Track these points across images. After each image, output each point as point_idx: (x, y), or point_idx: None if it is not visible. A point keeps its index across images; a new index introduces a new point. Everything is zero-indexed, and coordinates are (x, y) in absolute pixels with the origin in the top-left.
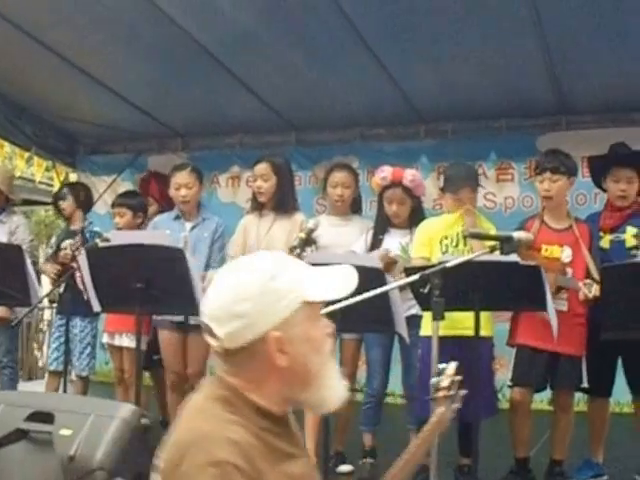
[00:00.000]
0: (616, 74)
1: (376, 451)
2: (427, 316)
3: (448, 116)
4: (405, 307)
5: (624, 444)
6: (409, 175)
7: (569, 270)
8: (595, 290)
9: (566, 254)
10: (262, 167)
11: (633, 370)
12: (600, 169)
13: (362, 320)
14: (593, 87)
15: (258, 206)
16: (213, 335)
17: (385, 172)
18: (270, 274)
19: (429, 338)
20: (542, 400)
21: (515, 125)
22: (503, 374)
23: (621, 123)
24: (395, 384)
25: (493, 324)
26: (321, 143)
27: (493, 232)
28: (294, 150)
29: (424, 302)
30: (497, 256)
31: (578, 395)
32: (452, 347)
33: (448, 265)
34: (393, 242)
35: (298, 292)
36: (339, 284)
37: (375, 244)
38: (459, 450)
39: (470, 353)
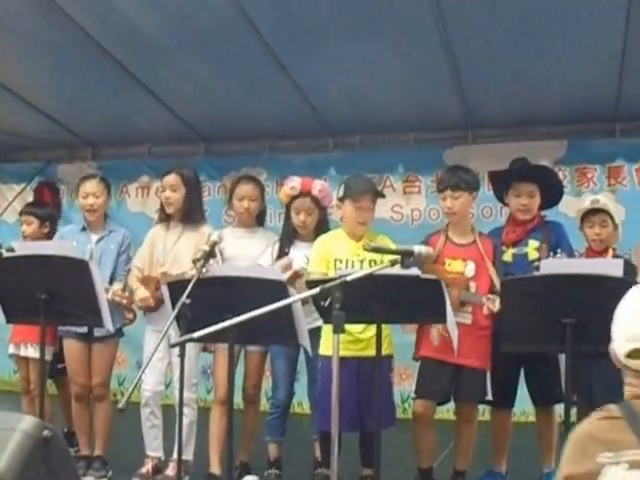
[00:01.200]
0: (521, 90)
1: (281, 462)
2: (327, 334)
3: (356, 129)
4: (310, 319)
5: (526, 453)
6: (318, 185)
7: (473, 284)
8: (498, 304)
9: (469, 269)
10: (171, 178)
11: (534, 382)
12: (502, 183)
13: (266, 332)
14: (499, 102)
15: (166, 217)
16: None
17: (294, 182)
18: None
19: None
20: (448, 410)
21: (422, 138)
22: (410, 385)
23: (526, 137)
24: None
25: (392, 341)
26: (230, 154)
27: (392, 246)
28: (203, 161)
29: (326, 315)
30: (398, 270)
31: (483, 405)
32: (352, 365)
33: (348, 279)
34: (299, 254)
35: None
36: None
37: (281, 257)
38: (360, 461)
39: (370, 371)
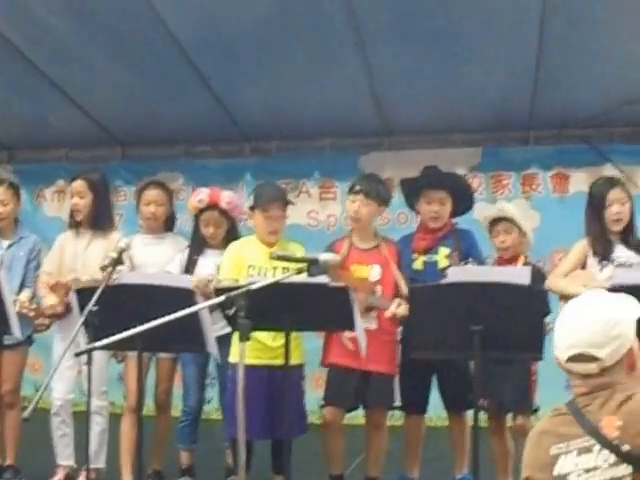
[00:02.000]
0: (437, 97)
1: (194, 469)
2: (236, 342)
3: (272, 134)
4: (219, 326)
5: (439, 459)
6: (226, 197)
7: (378, 288)
8: (404, 309)
9: (374, 273)
10: (78, 184)
11: (446, 388)
12: (413, 191)
13: (174, 340)
14: (415, 109)
15: (76, 223)
16: (591, 360)
17: (202, 194)
18: (620, 300)
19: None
20: (363, 416)
21: (338, 145)
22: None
23: (441, 144)
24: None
25: (302, 350)
26: (147, 159)
27: (300, 254)
28: (119, 165)
29: (233, 323)
30: (305, 278)
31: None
32: (263, 373)
33: (253, 287)
34: (208, 263)
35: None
36: None
37: (190, 265)
38: (272, 468)
39: (281, 379)
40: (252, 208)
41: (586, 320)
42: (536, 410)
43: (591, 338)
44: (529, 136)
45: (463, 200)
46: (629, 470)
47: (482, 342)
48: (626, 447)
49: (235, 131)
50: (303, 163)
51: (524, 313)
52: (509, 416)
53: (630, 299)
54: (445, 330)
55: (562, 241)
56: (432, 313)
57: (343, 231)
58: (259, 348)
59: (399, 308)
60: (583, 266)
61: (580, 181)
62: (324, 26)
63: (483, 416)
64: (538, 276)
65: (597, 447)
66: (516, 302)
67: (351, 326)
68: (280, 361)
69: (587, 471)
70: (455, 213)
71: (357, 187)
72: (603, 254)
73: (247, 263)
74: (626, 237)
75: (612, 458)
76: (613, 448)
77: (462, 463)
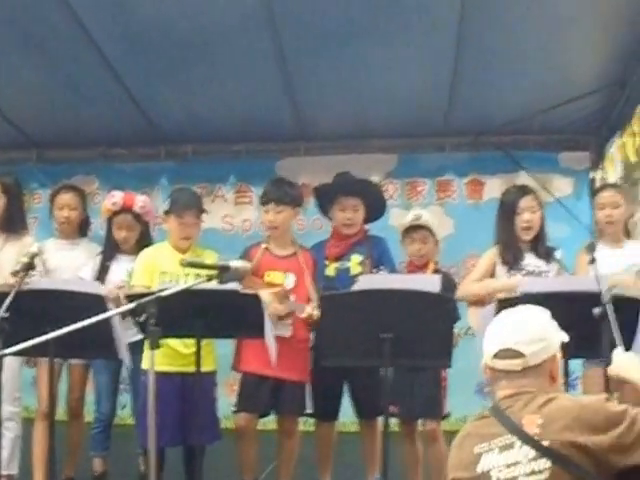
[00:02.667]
0: (353, 103)
1: (107, 476)
2: (148, 349)
3: (189, 138)
4: (131, 332)
5: (351, 464)
6: (140, 202)
7: (292, 297)
8: (317, 315)
9: (289, 280)
10: None
11: (357, 395)
12: (326, 198)
13: (86, 346)
14: (331, 115)
15: None
16: (515, 356)
17: (116, 197)
18: (546, 314)
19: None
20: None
21: (255, 149)
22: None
23: (357, 150)
24: None
25: (215, 357)
26: (62, 161)
27: (212, 261)
28: (35, 168)
29: (143, 330)
30: (216, 285)
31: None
32: (176, 380)
33: (164, 294)
34: (120, 268)
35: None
36: None
37: (103, 270)
38: (185, 476)
39: (192, 386)
40: (167, 213)
41: (516, 322)
42: (446, 416)
43: (517, 335)
44: (445, 143)
45: (376, 207)
46: (548, 464)
47: (392, 349)
48: (546, 442)
49: (151, 134)
50: (219, 167)
51: (434, 321)
52: (420, 422)
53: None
54: (355, 337)
55: (476, 247)
56: (342, 320)
57: (258, 236)
58: (171, 355)
59: (315, 310)
60: (492, 274)
61: (494, 188)
62: (243, 31)
63: (394, 421)
64: (448, 284)
65: (518, 443)
66: (426, 310)
67: (261, 333)
68: (192, 368)
69: (508, 466)
70: (368, 219)
71: (267, 196)
72: (512, 262)
73: (159, 269)
74: (536, 245)
75: (532, 453)
76: (534, 443)
77: (373, 468)
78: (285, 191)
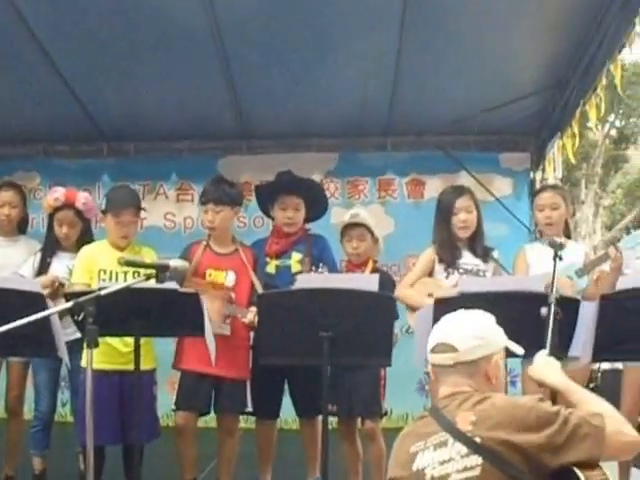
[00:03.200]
0: (295, 102)
1: (46, 474)
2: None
3: (131, 135)
4: (71, 330)
5: (292, 462)
6: (82, 198)
7: (233, 294)
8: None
9: (230, 278)
10: None
11: (297, 393)
12: (267, 197)
13: (24, 344)
14: (273, 113)
15: None
16: (448, 349)
17: (58, 193)
18: (491, 320)
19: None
20: None
21: (197, 147)
22: None
23: (299, 149)
24: None
25: (154, 355)
26: (3, 158)
27: (150, 259)
28: None
29: (82, 329)
30: (155, 284)
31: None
32: (115, 379)
33: (103, 293)
34: (61, 265)
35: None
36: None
37: (43, 267)
38: (124, 474)
39: (131, 385)
40: (104, 212)
41: (456, 320)
42: (385, 414)
43: (453, 332)
44: (386, 142)
45: (317, 206)
46: (480, 461)
47: (331, 348)
48: (478, 439)
49: (94, 131)
50: (161, 165)
51: (373, 319)
52: (359, 420)
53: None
54: (294, 336)
55: (416, 246)
56: (281, 319)
57: (200, 233)
58: (110, 353)
59: (256, 317)
60: (431, 273)
61: (435, 187)
62: (185, 29)
63: (334, 420)
64: (387, 282)
65: (451, 441)
66: (365, 308)
67: (201, 332)
68: (131, 366)
69: (442, 463)
70: (309, 218)
71: (206, 196)
72: (449, 261)
73: (98, 268)
74: (473, 245)
75: (464, 450)
76: (466, 440)
77: (314, 466)
78: (224, 191)
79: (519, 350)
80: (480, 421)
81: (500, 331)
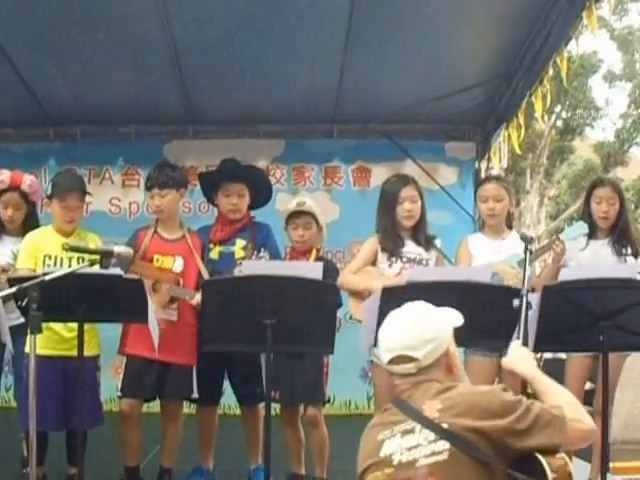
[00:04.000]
0: (242, 88)
1: None
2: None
3: (77, 119)
4: (15, 315)
5: (234, 448)
6: (27, 180)
7: (181, 280)
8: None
9: (177, 264)
10: None
11: (239, 380)
12: (211, 184)
13: None
14: (220, 99)
15: None
16: (408, 360)
17: (3, 175)
18: (432, 310)
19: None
20: None
21: (143, 132)
22: None
23: (245, 135)
24: None
25: (98, 341)
26: None
27: (95, 245)
28: None
29: (25, 314)
30: (99, 269)
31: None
32: (58, 364)
33: (47, 278)
34: (5, 250)
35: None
36: None
37: None
38: (67, 460)
39: (74, 371)
40: (50, 197)
41: (402, 325)
42: (327, 401)
43: (407, 342)
44: (333, 129)
45: (261, 192)
46: (447, 445)
47: (274, 335)
48: (445, 425)
49: (40, 115)
50: (107, 149)
51: (316, 307)
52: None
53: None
54: (237, 323)
55: (361, 234)
56: (224, 306)
57: (145, 219)
58: (54, 339)
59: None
60: (374, 262)
61: (381, 175)
62: (135, 16)
63: (276, 406)
64: (330, 270)
65: (418, 427)
66: (308, 296)
67: (144, 318)
68: (75, 352)
69: (409, 449)
70: (254, 205)
71: (151, 181)
72: (392, 250)
73: (43, 253)
74: (416, 234)
75: (432, 436)
76: (433, 426)
77: (256, 453)
78: (168, 175)
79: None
80: (446, 408)
81: (443, 318)
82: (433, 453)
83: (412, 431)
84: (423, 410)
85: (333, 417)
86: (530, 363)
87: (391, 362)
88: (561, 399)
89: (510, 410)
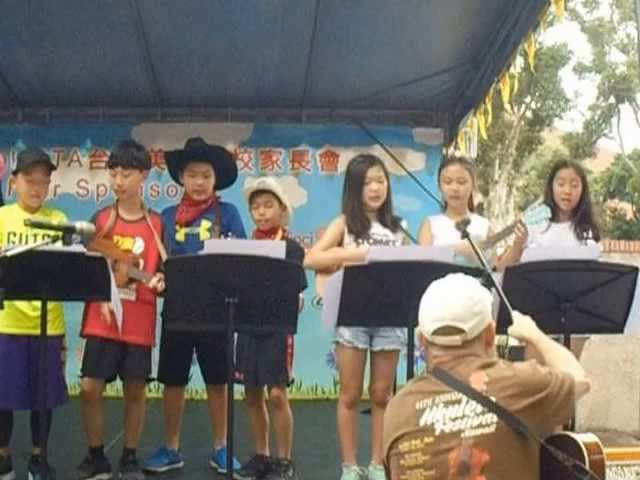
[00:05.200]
0: (211, 71)
1: None
2: None
3: (46, 101)
4: None
5: (199, 430)
6: None
7: (141, 261)
8: (162, 287)
9: (138, 245)
10: None
11: (205, 360)
12: (177, 163)
13: None
14: (189, 82)
15: None
16: (455, 332)
17: None
18: (476, 284)
19: None
20: None
21: (112, 114)
22: None
23: (214, 118)
24: None
25: (63, 320)
26: None
27: (58, 222)
28: None
29: None
30: (62, 246)
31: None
32: (22, 343)
33: (8, 254)
34: None
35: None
36: None
37: None
38: (32, 440)
39: (39, 349)
40: (15, 172)
41: (453, 297)
42: (292, 382)
43: (457, 313)
44: (301, 114)
45: (227, 173)
46: (495, 419)
47: (236, 314)
48: (493, 398)
49: (8, 96)
50: (75, 131)
51: (279, 286)
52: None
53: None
54: (201, 302)
55: (329, 218)
56: (187, 285)
57: (113, 201)
58: (18, 317)
59: (160, 282)
60: (340, 243)
61: (348, 160)
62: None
63: (241, 388)
64: (295, 250)
65: (465, 399)
66: (271, 275)
67: (107, 295)
68: (39, 331)
69: (454, 420)
70: (219, 186)
71: (114, 160)
72: (359, 231)
73: (7, 230)
74: (382, 215)
75: (479, 408)
76: (482, 399)
77: (222, 434)
78: (132, 154)
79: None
80: (492, 382)
81: (482, 290)
82: (480, 425)
83: (458, 402)
84: (470, 382)
85: (300, 401)
86: (532, 327)
87: (436, 332)
88: (563, 357)
89: (548, 382)
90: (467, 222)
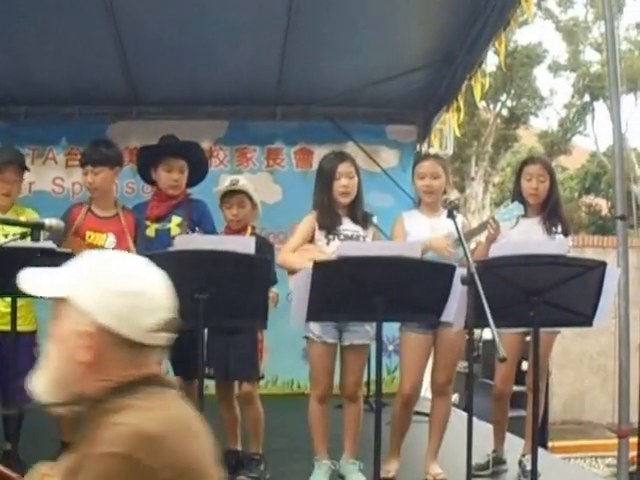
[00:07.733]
0: (186, 69)
1: None
2: None
3: (21, 99)
4: None
5: None
6: None
7: None
8: None
9: (109, 241)
10: None
11: (175, 355)
12: (151, 159)
13: None
14: (164, 80)
15: None
16: None
17: None
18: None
19: None
20: None
21: (87, 112)
22: None
23: (189, 116)
24: None
25: (34, 317)
26: None
27: (24, 218)
28: None
29: None
30: (30, 242)
31: None
32: None
33: None
34: None
35: None
36: None
37: None
38: (4, 435)
39: (9, 345)
40: None
41: None
42: (262, 377)
43: None
44: (276, 111)
45: (200, 169)
46: None
47: (207, 310)
48: None
49: None
50: (51, 129)
51: (248, 282)
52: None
53: None
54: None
55: (303, 215)
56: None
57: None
58: None
59: None
60: (311, 240)
61: None
62: None
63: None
64: (264, 246)
65: None
66: (240, 271)
67: None
68: (9, 327)
69: None
70: (191, 182)
71: (85, 158)
72: (330, 227)
73: None
74: (353, 211)
75: None
76: None
77: None
78: (102, 152)
79: None
80: None
81: None
82: None
83: None
84: None
85: (276, 396)
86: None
87: None
88: None
89: None
90: (455, 205)
